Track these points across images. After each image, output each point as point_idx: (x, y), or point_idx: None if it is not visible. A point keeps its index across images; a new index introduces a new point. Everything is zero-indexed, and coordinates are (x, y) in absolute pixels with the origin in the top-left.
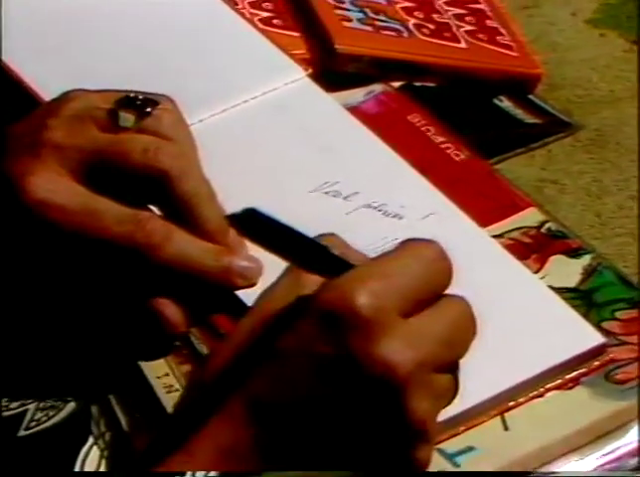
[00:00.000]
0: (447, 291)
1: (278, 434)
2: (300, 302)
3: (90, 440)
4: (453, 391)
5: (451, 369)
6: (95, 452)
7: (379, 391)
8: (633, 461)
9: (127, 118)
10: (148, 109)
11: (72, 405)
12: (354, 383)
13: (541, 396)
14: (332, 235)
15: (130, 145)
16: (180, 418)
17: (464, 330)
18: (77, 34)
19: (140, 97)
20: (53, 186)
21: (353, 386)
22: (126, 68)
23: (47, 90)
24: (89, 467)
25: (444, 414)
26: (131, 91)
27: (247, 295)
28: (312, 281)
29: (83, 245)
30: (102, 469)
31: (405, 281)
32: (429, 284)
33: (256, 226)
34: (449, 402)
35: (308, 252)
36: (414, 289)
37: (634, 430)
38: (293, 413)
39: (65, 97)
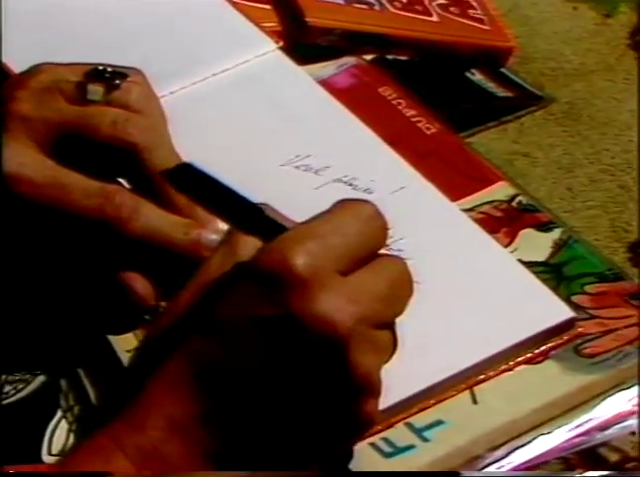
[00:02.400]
0: (422, 268)
1: (225, 403)
2: (238, 267)
3: (59, 414)
4: (392, 346)
5: (389, 325)
6: (64, 426)
7: (322, 348)
8: (601, 435)
9: (96, 91)
10: (117, 82)
11: (40, 379)
12: (297, 342)
13: (510, 369)
14: (265, 204)
15: (99, 118)
16: (130, 383)
17: (402, 288)
18: (48, 8)
19: (109, 70)
20: (22, 159)
21: (296, 345)
22: (97, 40)
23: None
24: (58, 441)
25: (413, 389)
26: (100, 64)
27: None
28: (249, 246)
29: (52, 219)
30: (71, 442)
31: (342, 240)
32: (366, 242)
33: (190, 181)
34: (390, 358)
35: (241, 211)
36: (351, 247)
37: (604, 403)
38: (238, 380)
39: (33, 70)
